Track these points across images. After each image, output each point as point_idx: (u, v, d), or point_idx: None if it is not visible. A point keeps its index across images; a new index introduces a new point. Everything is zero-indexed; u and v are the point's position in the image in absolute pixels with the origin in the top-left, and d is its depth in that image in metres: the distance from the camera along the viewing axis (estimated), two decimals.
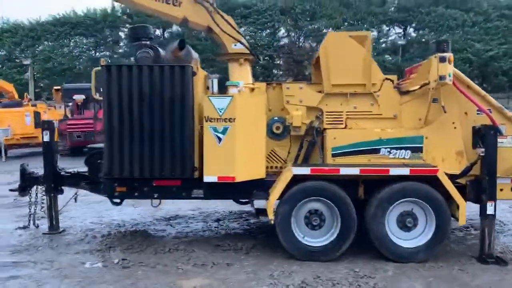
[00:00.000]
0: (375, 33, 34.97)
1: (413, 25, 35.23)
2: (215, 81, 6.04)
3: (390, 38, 36.08)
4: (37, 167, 7.03)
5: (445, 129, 5.48)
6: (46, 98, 30.74)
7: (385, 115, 5.70)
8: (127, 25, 36.12)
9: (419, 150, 5.48)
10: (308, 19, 33.86)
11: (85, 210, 8.09)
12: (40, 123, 18.34)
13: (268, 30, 33.58)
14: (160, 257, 5.34)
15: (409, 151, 5.49)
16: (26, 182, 6.59)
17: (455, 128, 5.47)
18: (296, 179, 5.16)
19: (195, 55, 6.59)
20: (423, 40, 33.77)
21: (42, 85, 35.07)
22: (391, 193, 5.10)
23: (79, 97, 17.95)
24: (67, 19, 35.27)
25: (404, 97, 5.70)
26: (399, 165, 5.23)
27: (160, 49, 6.25)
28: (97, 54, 36.06)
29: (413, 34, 35.71)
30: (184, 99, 5.33)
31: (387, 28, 36.06)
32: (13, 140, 17.78)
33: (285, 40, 34.81)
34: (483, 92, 5.44)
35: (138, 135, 5.35)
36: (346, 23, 33.61)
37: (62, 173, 6.55)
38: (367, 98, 5.70)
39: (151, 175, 5.39)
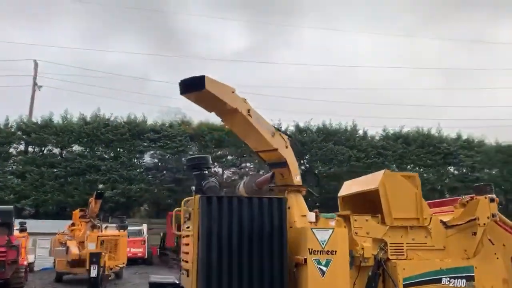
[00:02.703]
0: None
1: (307, 157, 39.09)
2: None
3: None
4: None
5: (490, 260, 6.32)
6: None
7: (437, 247, 6.39)
8: (21, 142, 33.73)
9: (471, 279, 6.17)
10: (213, 146, 35.51)
11: None
12: None
13: (177, 155, 34.11)
14: None
15: (464, 280, 6.14)
16: None
17: (497, 258, 6.36)
18: None
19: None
20: (315, 171, 37.35)
21: None
22: None
23: None
24: None
25: (449, 231, 6.51)
26: None
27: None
28: None
29: (307, 165, 39.42)
30: (281, 231, 5.42)
31: None
32: None
33: None
34: None
35: (237, 269, 5.16)
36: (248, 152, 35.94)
37: None
38: (422, 231, 6.38)
39: None
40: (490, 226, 6.36)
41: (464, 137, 40.22)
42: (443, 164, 39.39)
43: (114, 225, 19.88)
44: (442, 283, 6.04)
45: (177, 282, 5.93)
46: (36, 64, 36.93)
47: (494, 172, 39.43)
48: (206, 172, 6.53)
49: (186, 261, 5.80)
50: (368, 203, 6.79)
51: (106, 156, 34.24)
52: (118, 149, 34.26)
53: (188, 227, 5.90)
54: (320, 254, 5.32)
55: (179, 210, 6.78)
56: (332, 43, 69.85)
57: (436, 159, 38.85)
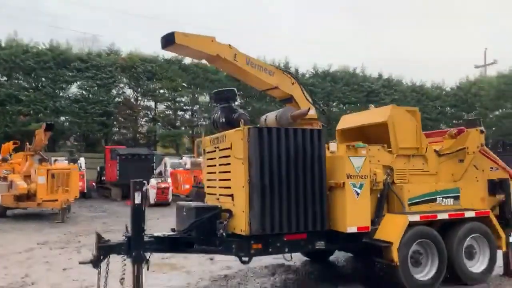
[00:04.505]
0: (208, 98, 37.66)
1: (241, 93, 39.36)
2: None
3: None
4: None
5: (472, 182, 7.43)
6: None
7: (431, 172, 7.34)
8: None
9: (458, 198, 7.26)
10: (146, 78, 34.22)
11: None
12: None
13: (107, 87, 32.46)
14: None
15: (452, 199, 7.21)
16: (101, 252, 5.72)
17: (477, 181, 7.49)
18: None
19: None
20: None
21: None
22: (465, 231, 6.69)
23: None
24: None
25: (441, 158, 7.47)
26: (467, 209, 6.87)
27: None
28: None
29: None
30: (321, 158, 5.91)
31: None
32: None
33: (122, 97, 34.23)
34: (493, 155, 7.67)
35: (286, 191, 5.62)
36: (183, 85, 35.29)
37: (147, 238, 5.94)
38: (421, 158, 7.27)
39: (297, 228, 5.67)
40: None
41: (385, 76, 43.02)
42: (365, 102, 42.05)
43: (63, 158, 18.98)
44: (437, 202, 7.05)
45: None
46: None
47: None
48: (233, 104, 6.71)
49: (226, 187, 6.12)
50: (366, 135, 7.50)
51: (27, 86, 31.57)
52: (41, 79, 31.70)
53: (223, 157, 6.17)
54: (355, 178, 5.95)
55: (200, 140, 6.97)
56: None
57: (360, 97, 41.34)
